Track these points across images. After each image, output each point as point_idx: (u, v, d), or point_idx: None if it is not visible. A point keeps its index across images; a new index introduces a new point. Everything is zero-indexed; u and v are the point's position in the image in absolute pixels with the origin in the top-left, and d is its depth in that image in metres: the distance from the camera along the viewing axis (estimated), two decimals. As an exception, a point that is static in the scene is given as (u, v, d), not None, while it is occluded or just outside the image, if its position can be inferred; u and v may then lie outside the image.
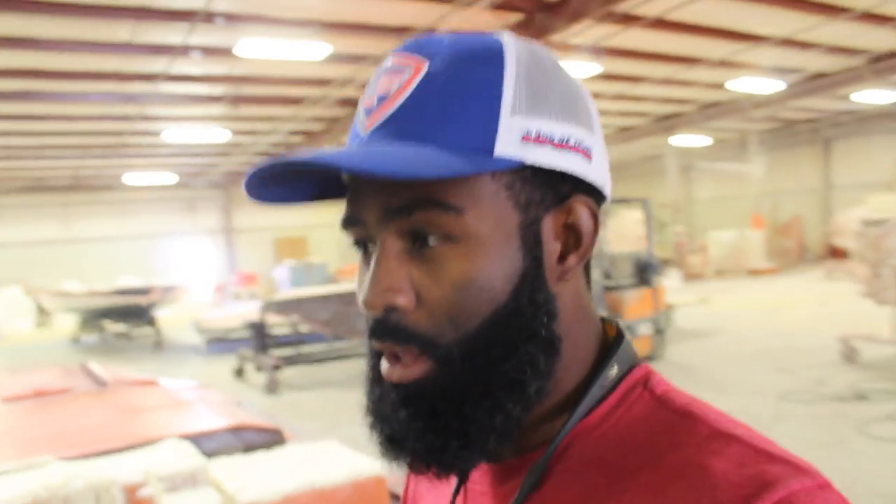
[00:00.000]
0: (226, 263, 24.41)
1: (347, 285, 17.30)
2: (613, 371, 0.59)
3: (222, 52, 9.65)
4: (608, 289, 8.38)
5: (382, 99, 0.56)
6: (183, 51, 9.46)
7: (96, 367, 5.26)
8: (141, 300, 14.45)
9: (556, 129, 0.56)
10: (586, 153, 0.58)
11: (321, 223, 24.44)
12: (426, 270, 0.55)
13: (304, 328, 10.67)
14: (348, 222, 0.59)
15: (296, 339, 10.71)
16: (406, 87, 0.55)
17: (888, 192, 18.58)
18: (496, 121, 0.54)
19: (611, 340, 0.63)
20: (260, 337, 9.25)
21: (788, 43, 12.03)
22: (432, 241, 0.54)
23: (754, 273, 19.66)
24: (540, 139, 0.55)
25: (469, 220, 0.54)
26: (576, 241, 0.59)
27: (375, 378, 0.59)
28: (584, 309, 0.61)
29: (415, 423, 0.55)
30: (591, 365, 0.61)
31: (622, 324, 0.66)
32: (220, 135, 15.33)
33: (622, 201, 10.09)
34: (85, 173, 20.12)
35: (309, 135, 16.76)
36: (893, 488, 4.31)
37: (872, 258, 7.86)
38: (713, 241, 20.73)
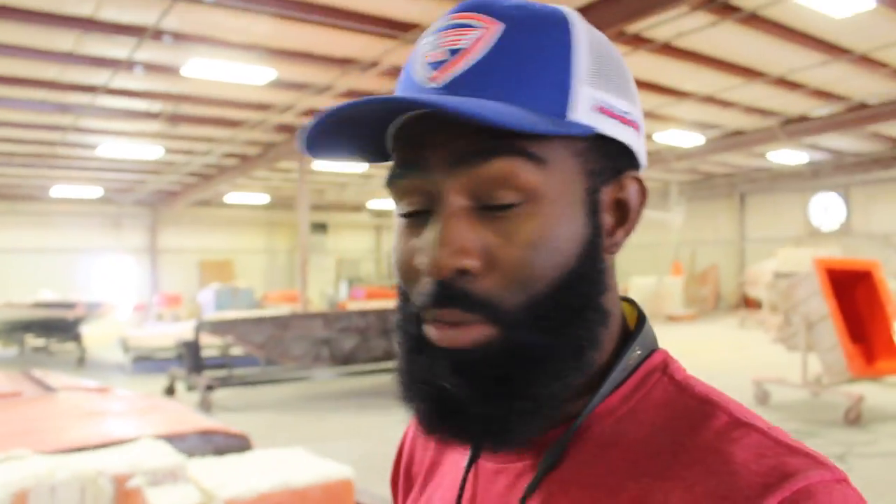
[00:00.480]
0: (149, 283, 23.81)
1: (281, 309, 17.17)
2: (636, 354, 0.59)
3: (166, 70, 9.63)
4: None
5: (455, 52, 0.55)
6: (127, 65, 9.40)
7: (39, 373, 5.16)
8: (66, 314, 14.01)
9: (618, 102, 0.57)
10: (637, 129, 0.60)
11: (248, 248, 24.19)
12: (497, 231, 0.53)
13: (236, 351, 10.59)
14: (408, 168, 0.56)
15: (226, 362, 10.60)
16: (481, 43, 0.54)
17: (797, 246, 19.71)
18: (570, 87, 0.54)
19: (627, 323, 0.64)
20: (194, 356, 9.14)
21: (710, 100, 12.78)
22: (505, 198, 0.53)
23: (673, 319, 20.40)
24: (608, 110, 0.56)
25: (546, 177, 0.53)
26: (623, 216, 0.59)
27: (416, 346, 0.57)
28: (616, 288, 0.62)
29: (475, 389, 0.53)
30: (615, 344, 0.60)
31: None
32: (153, 152, 15.12)
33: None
34: (8, 182, 19.44)
35: (244, 158, 16.69)
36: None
37: (784, 307, 8.36)
38: (634, 287, 21.45)
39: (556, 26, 0.56)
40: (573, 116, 0.54)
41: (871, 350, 7.95)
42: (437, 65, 0.55)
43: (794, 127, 14.80)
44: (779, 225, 22.65)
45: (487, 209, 0.53)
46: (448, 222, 0.53)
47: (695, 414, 0.54)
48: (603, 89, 0.56)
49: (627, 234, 0.59)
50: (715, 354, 12.85)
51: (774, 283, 17.31)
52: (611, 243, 0.59)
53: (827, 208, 22.00)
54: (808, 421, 7.36)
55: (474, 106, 0.49)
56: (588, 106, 0.55)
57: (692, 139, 15.18)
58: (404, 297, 0.59)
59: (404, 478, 0.78)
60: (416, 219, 0.57)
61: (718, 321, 19.94)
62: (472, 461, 0.64)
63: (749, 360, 11.75)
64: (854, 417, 7.21)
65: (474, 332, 0.53)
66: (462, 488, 0.63)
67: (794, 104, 13.36)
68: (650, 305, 20.85)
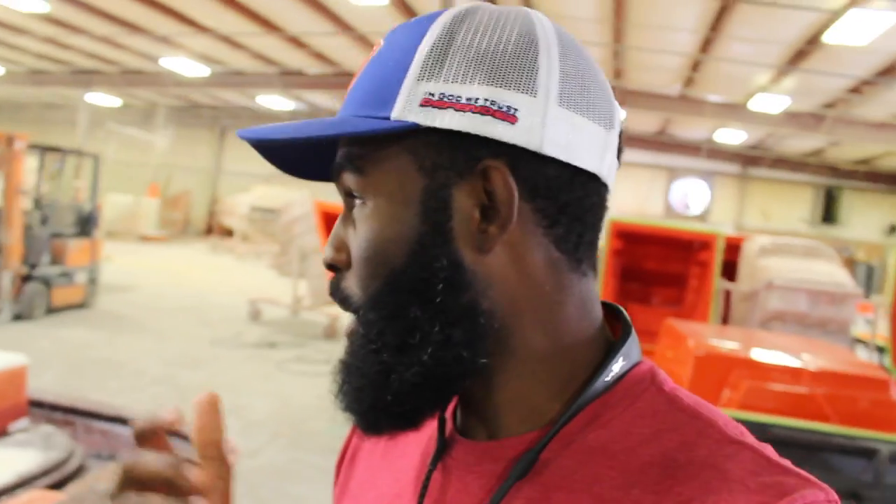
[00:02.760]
0: None
1: None
2: (619, 364, 0.58)
3: None
4: (54, 236, 8.48)
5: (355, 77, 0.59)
6: None
7: None
8: None
9: (466, 90, 0.53)
10: (505, 115, 0.54)
11: None
12: (351, 231, 0.58)
13: None
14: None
15: None
16: (363, 63, 0.58)
17: (267, 184, 21.75)
18: (398, 86, 0.54)
19: (609, 333, 0.62)
20: None
21: (226, 40, 13.58)
22: (349, 201, 0.58)
23: (146, 239, 20.62)
24: (441, 102, 0.53)
25: (370, 183, 0.55)
26: (494, 209, 0.55)
27: None
28: (566, 289, 0.58)
29: (340, 377, 0.58)
30: (596, 353, 0.59)
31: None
32: None
33: (57, 150, 9.99)
34: None
35: None
36: (311, 402, 6.01)
37: (282, 238, 9.78)
38: (110, 203, 20.97)
39: (416, 31, 0.56)
40: (396, 113, 0.54)
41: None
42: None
43: (291, 79, 16.50)
44: (254, 161, 24.11)
45: (349, 211, 0.58)
46: (337, 222, 0.59)
47: (686, 428, 0.54)
48: (442, 79, 0.53)
49: (503, 227, 0.55)
50: (199, 275, 13.83)
51: (251, 215, 19.10)
52: (483, 239, 0.55)
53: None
54: (297, 335, 8.95)
55: (280, 129, 0.56)
56: (416, 101, 0.53)
57: (197, 70, 15.68)
58: None
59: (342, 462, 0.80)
60: None
61: (189, 245, 20.87)
62: (439, 456, 0.62)
63: (231, 282, 13.07)
64: (332, 332, 9.04)
65: (350, 328, 0.58)
66: (426, 486, 0.62)
67: (295, 60, 15.00)
68: (125, 224, 20.73)
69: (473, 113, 0.53)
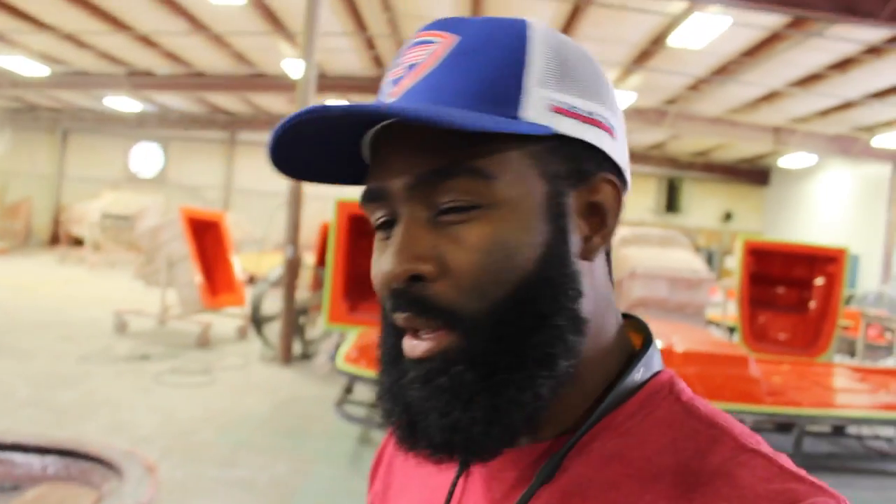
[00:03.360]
0: None
1: None
2: (640, 373, 0.59)
3: None
4: None
5: (412, 67, 0.56)
6: None
7: None
8: None
9: (582, 103, 0.56)
10: (611, 131, 0.58)
11: None
12: (450, 237, 0.54)
13: None
14: (372, 196, 0.57)
15: None
16: (437, 56, 0.55)
17: (115, 189, 20.69)
18: (522, 88, 0.54)
19: (630, 341, 0.63)
20: None
21: (70, 38, 12.82)
22: (461, 209, 0.54)
23: (-17, 252, 19.09)
24: (567, 111, 0.55)
25: (498, 187, 0.53)
26: (601, 220, 0.58)
27: (393, 359, 0.57)
28: (608, 299, 0.61)
29: (437, 400, 0.53)
30: (617, 362, 0.60)
31: None
32: None
33: None
34: None
35: None
36: (196, 413, 5.86)
37: (148, 247, 9.38)
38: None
39: (511, 33, 0.56)
40: (524, 115, 0.53)
41: (214, 286, 9.67)
42: (396, 81, 0.57)
43: (140, 79, 15.78)
44: (100, 166, 23.22)
45: (443, 218, 0.54)
46: (404, 232, 0.55)
47: (701, 437, 0.54)
48: (562, 91, 0.55)
49: (605, 239, 0.58)
50: (52, 289, 12.98)
51: (102, 222, 18.08)
52: (586, 248, 0.57)
53: (147, 157, 23.60)
54: (170, 345, 8.62)
55: (422, 108, 0.50)
56: (542, 105, 0.54)
57: (36, 69, 14.69)
58: (384, 310, 0.59)
59: (375, 479, 0.79)
60: (387, 232, 0.57)
61: (33, 257, 19.48)
62: (464, 468, 0.63)
63: (87, 294, 12.37)
64: (205, 341, 8.79)
65: (439, 342, 0.54)
66: (451, 493, 0.63)
67: (145, 60, 14.36)
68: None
69: (592, 125, 0.57)
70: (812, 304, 7.25)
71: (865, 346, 9.01)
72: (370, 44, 12.94)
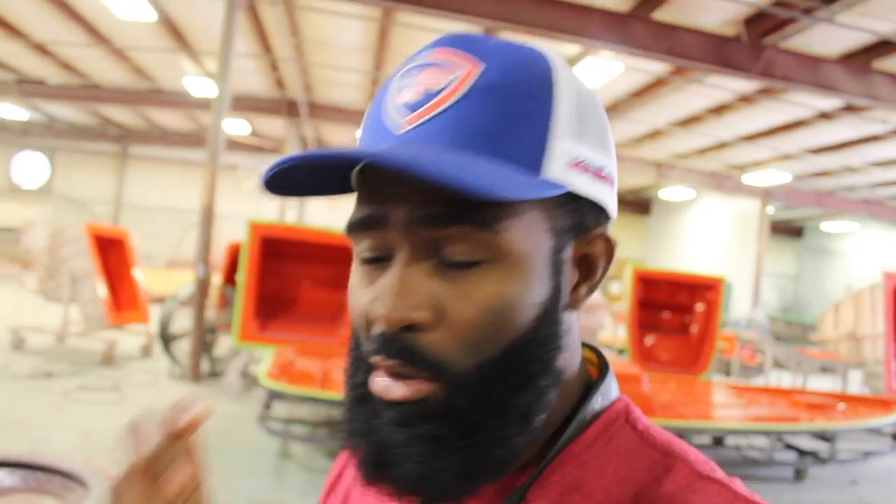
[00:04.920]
0: None
1: None
2: (598, 403, 0.59)
3: None
4: None
5: (430, 95, 0.52)
6: None
7: None
8: None
9: (595, 157, 0.55)
10: (611, 183, 0.57)
11: None
12: (454, 287, 0.51)
13: None
14: (367, 223, 0.54)
15: None
16: (459, 87, 0.52)
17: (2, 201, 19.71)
18: (548, 141, 0.52)
19: (587, 371, 0.63)
20: None
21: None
22: (464, 258, 0.51)
23: None
24: (584, 166, 0.54)
25: (506, 241, 0.51)
26: (588, 271, 0.58)
27: (363, 395, 0.55)
28: (577, 341, 0.61)
29: (415, 446, 0.51)
30: (578, 391, 0.60)
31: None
32: None
33: None
34: None
35: None
36: (114, 430, 5.88)
37: (50, 262, 9.17)
38: None
39: (539, 72, 0.53)
40: (548, 173, 0.51)
41: (119, 303, 9.54)
42: (412, 107, 0.53)
43: (30, 87, 15.27)
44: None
45: (446, 265, 0.52)
46: (404, 273, 0.52)
47: (657, 465, 0.54)
48: (581, 142, 0.54)
49: (591, 290, 0.58)
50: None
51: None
52: (573, 299, 0.57)
53: (31, 167, 22.55)
54: (73, 362, 8.45)
55: (447, 167, 0.46)
56: (564, 162, 0.52)
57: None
58: (356, 342, 0.57)
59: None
60: (375, 265, 0.55)
61: None
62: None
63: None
64: (109, 359, 8.69)
65: (416, 387, 0.52)
66: None
67: (39, 68, 13.94)
68: None
69: (601, 181, 0.56)
70: (693, 328, 8.00)
71: (740, 367, 9.95)
72: (274, 66, 13.09)
